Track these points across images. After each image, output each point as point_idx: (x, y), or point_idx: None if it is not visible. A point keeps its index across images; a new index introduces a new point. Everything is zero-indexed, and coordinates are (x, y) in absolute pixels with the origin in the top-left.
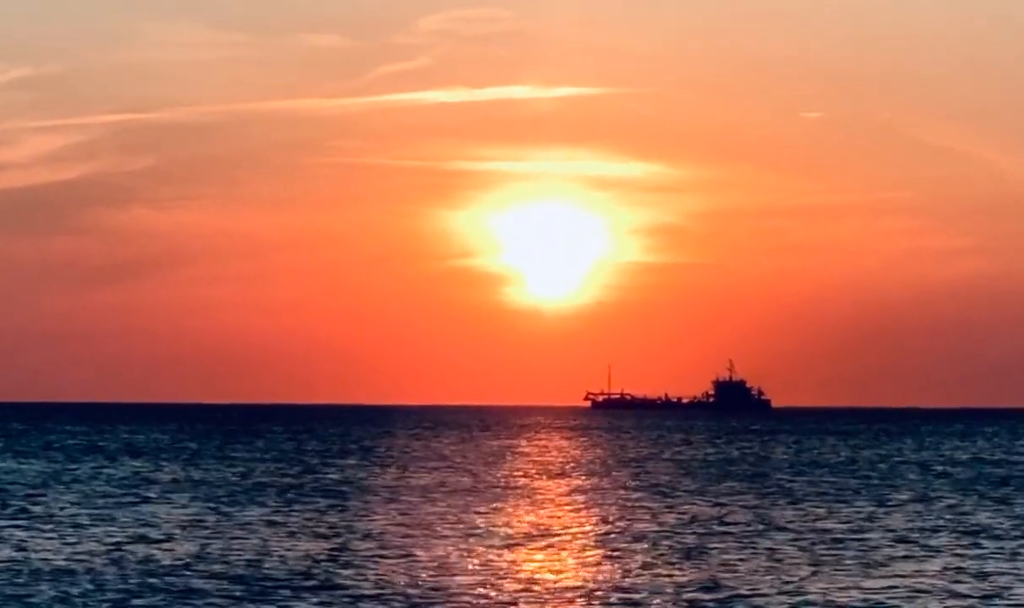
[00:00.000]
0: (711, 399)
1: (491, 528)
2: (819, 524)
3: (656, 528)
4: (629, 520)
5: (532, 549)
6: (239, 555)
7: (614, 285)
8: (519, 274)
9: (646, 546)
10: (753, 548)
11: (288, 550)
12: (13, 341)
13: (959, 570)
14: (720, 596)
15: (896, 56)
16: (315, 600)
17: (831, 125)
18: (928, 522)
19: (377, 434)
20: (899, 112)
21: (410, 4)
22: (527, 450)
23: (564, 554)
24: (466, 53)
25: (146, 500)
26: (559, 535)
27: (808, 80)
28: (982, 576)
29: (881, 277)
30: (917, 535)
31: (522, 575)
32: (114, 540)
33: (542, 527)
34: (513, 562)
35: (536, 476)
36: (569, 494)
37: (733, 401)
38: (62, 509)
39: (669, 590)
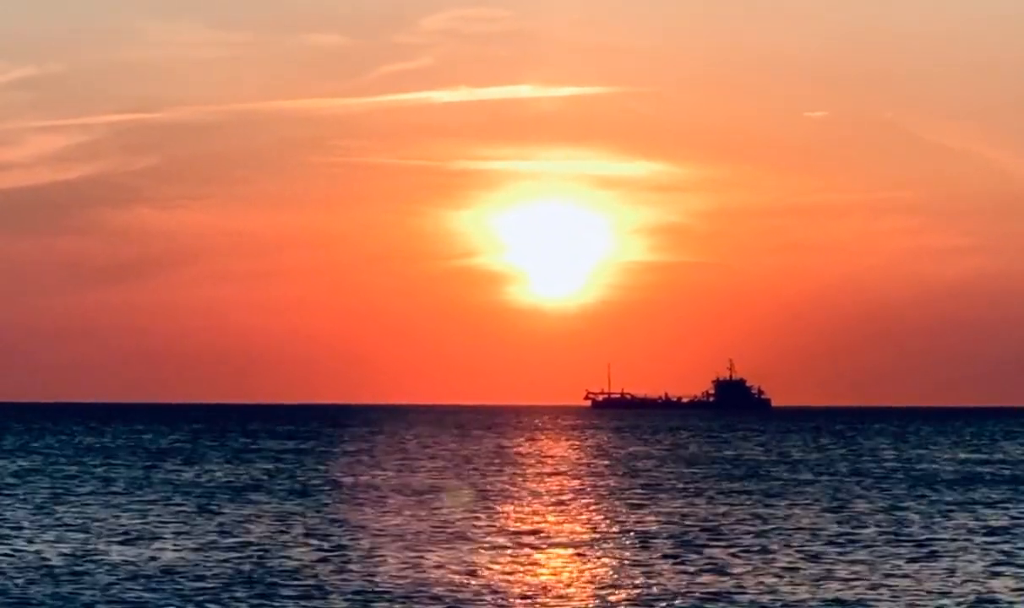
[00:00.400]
0: (711, 398)
1: (488, 528)
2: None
3: (648, 528)
4: (622, 519)
5: (529, 550)
6: (238, 555)
7: (617, 284)
8: (522, 273)
9: (642, 546)
10: (756, 548)
11: (283, 551)
12: (17, 341)
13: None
14: (720, 596)
15: (899, 56)
16: (305, 601)
17: (834, 124)
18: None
19: (375, 433)
20: (901, 111)
21: (412, 4)
22: (524, 450)
23: (562, 554)
24: (468, 52)
25: (132, 499)
26: (555, 536)
27: (811, 80)
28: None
29: (882, 276)
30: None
31: (521, 576)
32: (99, 539)
33: (538, 528)
34: (512, 563)
35: (534, 477)
36: (561, 494)
37: (733, 400)
38: (47, 504)
39: (669, 590)
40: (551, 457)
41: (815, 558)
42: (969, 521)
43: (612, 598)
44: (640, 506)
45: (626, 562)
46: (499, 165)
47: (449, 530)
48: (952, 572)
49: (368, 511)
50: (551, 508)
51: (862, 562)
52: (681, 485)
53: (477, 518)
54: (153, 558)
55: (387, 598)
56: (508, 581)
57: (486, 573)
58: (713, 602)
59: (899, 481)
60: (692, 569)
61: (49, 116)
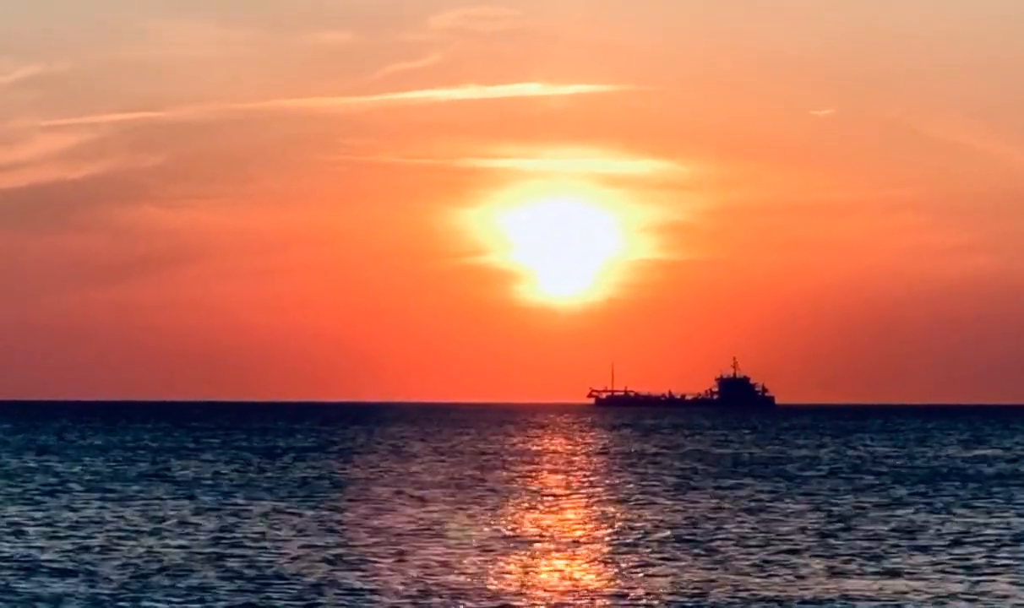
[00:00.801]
0: (715, 396)
1: (486, 529)
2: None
3: (643, 529)
4: (627, 518)
5: (529, 551)
6: (238, 554)
7: (625, 282)
8: (530, 272)
9: (642, 546)
10: (756, 547)
11: (285, 549)
12: (24, 338)
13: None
14: (720, 596)
15: (905, 53)
16: (311, 599)
17: (840, 122)
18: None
19: (378, 431)
20: (907, 109)
21: (420, 2)
22: (525, 448)
23: (561, 555)
24: (476, 51)
25: (132, 497)
26: (554, 537)
27: (817, 78)
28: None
29: (888, 273)
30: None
31: (520, 577)
32: (103, 535)
33: (539, 528)
34: (511, 564)
35: (534, 476)
36: (564, 493)
37: (737, 398)
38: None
39: (669, 590)
40: (550, 454)
41: (817, 556)
42: (977, 517)
43: (612, 598)
44: (639, 505)
45: (627, 562)
46: (506, 163)
47: (446, 531)
48: (962, 569)
49: (371, 510)
50: (548, 507)
51: (863, 559)
52: (679, 483)
53: (477, 518)
54: (154, 558)
55: (382, 599)
56: (508, 581)
57: (485, 575)
58: (713, 602)
59: (906, 477)
60: (692, 568)
61: (55, 115)
